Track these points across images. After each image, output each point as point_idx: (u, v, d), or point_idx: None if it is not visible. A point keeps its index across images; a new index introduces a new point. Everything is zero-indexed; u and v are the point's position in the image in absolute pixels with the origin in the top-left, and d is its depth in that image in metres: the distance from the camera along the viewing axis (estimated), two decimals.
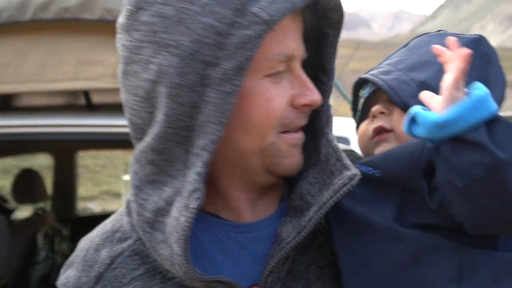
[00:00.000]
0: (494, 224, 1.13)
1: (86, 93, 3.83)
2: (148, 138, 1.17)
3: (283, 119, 1.20)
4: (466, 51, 1.12)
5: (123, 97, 1.22)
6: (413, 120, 1.13)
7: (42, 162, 8.58)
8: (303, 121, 1.24)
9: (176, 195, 1.14)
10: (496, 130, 1.08)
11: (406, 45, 1.48)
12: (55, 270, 4.95)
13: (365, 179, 1.26)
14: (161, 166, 1.17)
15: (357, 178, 1.21)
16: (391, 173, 1.25)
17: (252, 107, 1.17)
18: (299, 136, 1.25)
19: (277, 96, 1.18)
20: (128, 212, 1.25)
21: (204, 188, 1.11)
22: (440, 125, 1.09)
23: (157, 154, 1.16)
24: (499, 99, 1.32)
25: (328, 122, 1.30)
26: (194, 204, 1.09)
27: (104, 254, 1.24)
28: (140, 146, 1.20)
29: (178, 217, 1.11)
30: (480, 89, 1.10)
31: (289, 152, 1.23)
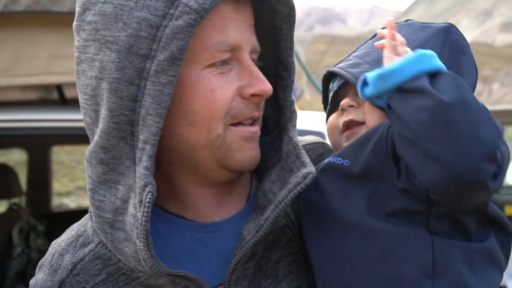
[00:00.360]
0: (455, 184, 1.11)
1: (59, 87, 3.80)
2: (96, 137, 1.18)
3: (231, 110, 1.19)
4: (389, 19, 1.24)
5: (78, 97, 1.23)
6: (365, 84, 1.21)
7: (16, 158, 8.48)
8: (255, 113, 1.23)
9: (130, 192, 1.15)
10: (439, 80, 1.14)
11: (373, 36, 1.47)
12: (31, 265, 4.92)
13: (336, 171, 1.27)
14: (110, 164, 1.17)
15: (311, 176, 1.21)
16: (361, 160, 1.25)
17: (193, 98, 1.17)
18: (252, 130, 1.23)
19: (221, 86, 1.17)
20: (91, 216, 1.25)
21: (154, 181, 1.12)
22: (382, 75, 1.17)
23: (105, 151, 1.17)
24: (471, 88, 1.32)
25: (292, 118, 1.29)
26: (147, 198, 1.10)
27: (67, 259, 1.26)
28: (89, 147, 1.20)
29: (135, 213, 1.12)
30: (427, 50, 1.18)
31: (239, 146, 1.21)
